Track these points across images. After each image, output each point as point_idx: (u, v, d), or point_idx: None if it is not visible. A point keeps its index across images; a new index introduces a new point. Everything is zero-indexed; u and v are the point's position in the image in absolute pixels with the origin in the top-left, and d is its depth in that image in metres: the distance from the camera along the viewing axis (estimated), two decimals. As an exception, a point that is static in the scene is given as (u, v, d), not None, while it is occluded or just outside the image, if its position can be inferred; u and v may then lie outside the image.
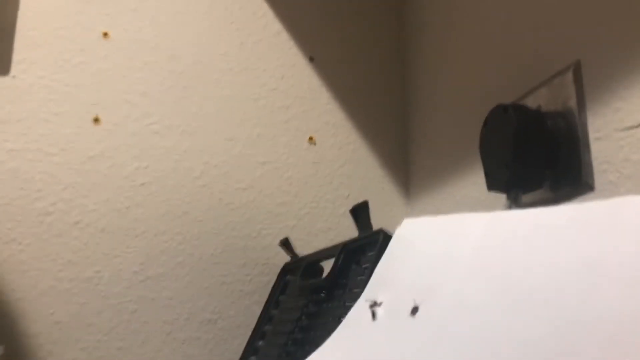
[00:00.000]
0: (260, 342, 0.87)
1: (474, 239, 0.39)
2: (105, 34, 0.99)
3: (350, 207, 0.76)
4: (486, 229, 0.38)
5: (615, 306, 0.26)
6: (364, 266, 0.68)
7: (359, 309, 0.54)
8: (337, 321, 0.58)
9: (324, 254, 0.81)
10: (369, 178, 1.06)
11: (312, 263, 0.84)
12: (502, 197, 0.73)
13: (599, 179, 0.58)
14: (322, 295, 0.73)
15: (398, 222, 1.04)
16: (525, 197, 0.65)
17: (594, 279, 0.28)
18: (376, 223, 0.72)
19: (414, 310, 0.44)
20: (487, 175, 0.67)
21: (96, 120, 0.96)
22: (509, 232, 0.36)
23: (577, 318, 0.28)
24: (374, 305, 0.51)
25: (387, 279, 0.52)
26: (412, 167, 1.07)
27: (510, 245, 0.35)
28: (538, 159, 0.62)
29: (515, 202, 0.62)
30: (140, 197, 0.95)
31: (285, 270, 0.93)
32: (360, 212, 0.74)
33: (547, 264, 0.31)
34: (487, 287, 0.35)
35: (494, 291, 0.34)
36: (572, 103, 0.61)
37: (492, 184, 0.66)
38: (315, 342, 0.61)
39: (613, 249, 0.27)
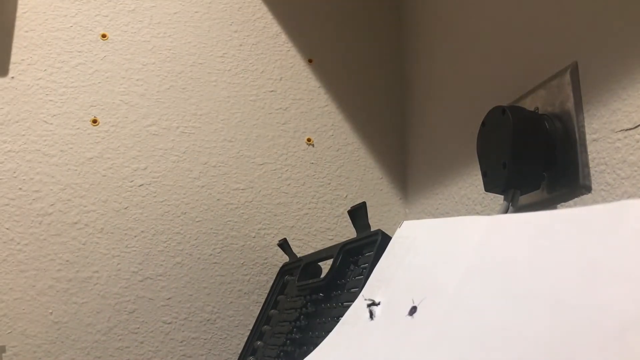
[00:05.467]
0: (259, 342, 0.87)
1: (474, 241, 0.39)
2: (103, 36, 0.99)
3: (348, 208, 0.77)
4: (487, 231, 0.38)
5: (616, 308, 0.27)
6: (362, 266, 0.68)
7: (357, 309, 0.54)
8: (335, 321, 0.58)
9: (322, 254, 0.82)
10: (367, 179, 1.06)
11: (310, 263, 0.85)
12: (499, 198, 0.73)
13: (596, 181, 0.58)
14: (321, 295, 0.74)
15: (396, 223, 1.04)
16: (523, 198, 0.65)
17: (595, 281, 0.28)
18: (374, 224, 0.73)
19: (412, 310, 0.44)
20: (485, 177, 0.67)
21: (94, 121, 0.96)
22: (510, 235, 0.36)
23: (577, 319, 0.28)
24: (371, 304, 0.51)
25: (385, 279, 0.52)
26: (409, 168, 1.07)
27: (511, 248, 0.35)
28: (535, 160, 0.62)
29: (512, 203, 0.62)
30: (138, 198, 0.95)
31: (284, 270, 0.94)
32: (358, 213, 0.74)
33: (548, 266, 0.31)
34: (487, 288, 0.35)
35: (494, 292, 0.34)
36: (570, 104, 0.62)
37: (490, 185, 0.66)
38: (314, 343, 0.61)
39: (614, 252, 0.28)
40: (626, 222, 0.28)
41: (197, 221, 0.97)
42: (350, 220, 0.76)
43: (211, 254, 0.97)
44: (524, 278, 0.33)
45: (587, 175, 0.59)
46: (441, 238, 0.45)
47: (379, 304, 0.50)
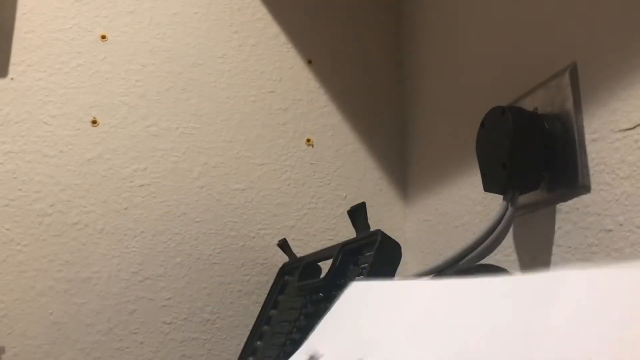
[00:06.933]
0: (259, 343, 0.88)
1: (419, 302, 0.40)
2: (103, 37, 0.99)
3: (348, 208, 0.77)
4: (431, 295, 0.40)
5: None
6: (361, 267, 0.68)
7: None
8: (336, 321, 0.58)
9: (322, 254, 0.82)
10: (366, 179, 1.07)
11: (310, 263, 0.85)
12: (499, 198, 0.74)
13: (595, 180, 0.59)
14: (320, 295, 0.74)
15: (396, 223, 1.05)
16: (522, 198, 0.65)
17: (528, 347, 0.29)
18: (374, 224, 0.73)
19: None
20: (484, 177, 0.67)
21: (94, 122, 0.96)
22: (453, 299, 0.38)
23: None
24: (313, 357, 0.50)
25: (330, 333, 0.52)
26: (409, 168, 1.07)
27: (453, 311, 0.37)
28: (535, 161, 0.62)
29: (512, 203, 0.63)
30: (138, 198, 0.95)
31: (284, 270, 0.94)
32: (357, 213, 0.74)
33: (486, 330, 0.33)
34: (428, 346, 0.36)
35: (434, 350, 0.36)
36: (569, 105, 0.62)
37: (489, 185, 0.66)
38: (314, 342, 0.61)
39: (548, 320, 0.29)
40: (562, 292, 0.29)
41: (197, 222, 0.97)
42: (350, 221, 0.76)
43: (211, 255, 0.97)
44: (463, 339, 0.34)
45: (587, 175, 0.60)
46: (387, 298, 0.46)
47: (322, 356, 0.50)
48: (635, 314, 0.25)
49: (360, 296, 0.51)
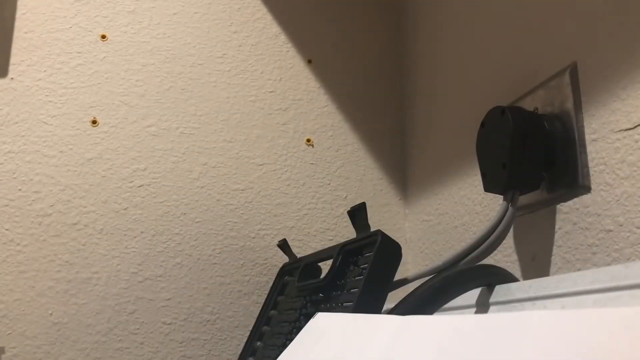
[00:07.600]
0: (258, 343, 0.87)
1: (384, 340, 0.40)
2: (103, 36, 0.99)
3: (348, 208, 0.77)
4: (397, 332, 0.39)
5: None
6: (362, 267, 0.68)
7: None
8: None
9: (322, 254, 0.82)
10: (366, 179, 1.07)
11: (310, 264, 0.85)
12: (499, 199, 0.74)
13: (595, 181, 0.59)
14: (320, 296, 0.74)
15: (396, 223, 1.04)
16: (522, 198, 0.65)
17: None
18: (374, 224, 0.73)
19: None
20: (484, 177, 0.67)
21: (94, 122, 0.96)
22: (419, 337, 0.37)
23: None
24: None
25: None
26: (409, 169, 1.07)
27: (419, 347, 0.36)
28: (535, 161, 0.62)
29: (512, 203, 0.63)
30: (138, 199, 0.95)
31: (284, 270, 0.94)
32: (357, 214, 0.74)
33: None
34: None
35: None
36: (569, 105, 0.62)
37: (489, 186, 0.66)
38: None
39: (517, 358, 0.29)
40: (529, 332, 0.30)
41: (197, 222, 0.97)
42: (350, 221, 0.76)
43: (211, 255, 0.97)
44: None
45: (587, 176, 0.60)
46: (352, 334, 0.45)
47: None
48: (598, 354, 0.25)
49: (325, 328, 0.50)
